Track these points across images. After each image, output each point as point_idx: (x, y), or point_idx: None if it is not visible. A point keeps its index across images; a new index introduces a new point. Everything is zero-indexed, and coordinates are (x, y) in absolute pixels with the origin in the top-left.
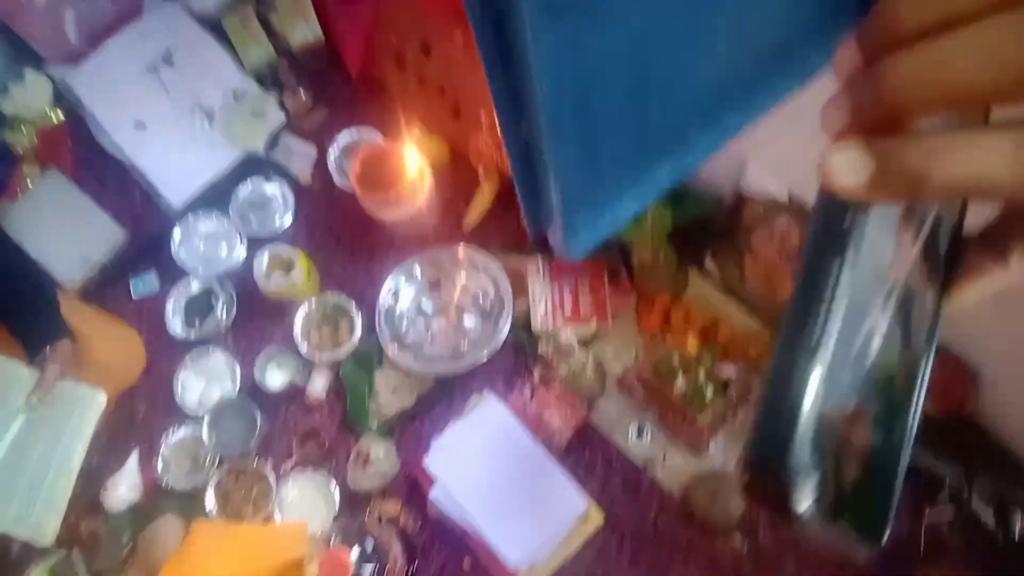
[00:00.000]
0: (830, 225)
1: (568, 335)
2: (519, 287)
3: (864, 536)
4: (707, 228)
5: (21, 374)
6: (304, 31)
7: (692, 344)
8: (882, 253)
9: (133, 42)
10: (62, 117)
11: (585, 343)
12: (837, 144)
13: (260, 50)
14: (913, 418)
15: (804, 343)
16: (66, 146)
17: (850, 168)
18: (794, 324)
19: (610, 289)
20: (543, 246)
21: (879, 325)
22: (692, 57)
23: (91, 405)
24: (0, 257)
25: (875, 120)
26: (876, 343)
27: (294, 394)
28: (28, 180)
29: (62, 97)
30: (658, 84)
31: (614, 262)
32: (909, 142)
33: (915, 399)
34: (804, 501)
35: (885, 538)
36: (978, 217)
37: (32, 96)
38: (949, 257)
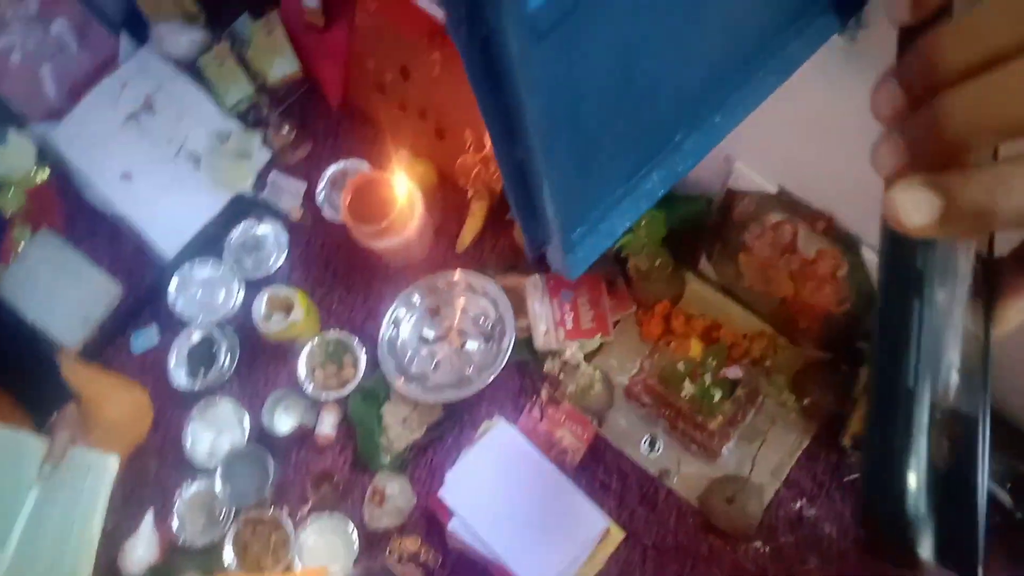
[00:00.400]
0: (902, 266)
1: (573, 351)
2: (519, 306)
3: (963, 572)
4: (699, 229)
5: (30, 444)
6: (281, 65)
7: (695, 348)
8: (948, 287)
9: (112, 92)
10: (48, 175)
11: (589, 357)
12: (901, 183)
13: (239, 89)
14: (984, 449)
15: (900, 391)
16: (54, 204)
17: (918, 206)
18: (886, 373)
19: (609, 300)
20: (540, 264)
21: (953, 359)
22: (674, 64)
23: (104, 471)
24: None
25: (934, 157)
26: (954, 378)
27: (304, 436)
28: (19, 242)
29: (46, 155)
30: (643, 92)
31: (610, 272)
32: (973, 176)
33: (982, 429)
34: (925, 547)
35: (980, 572)
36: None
37: (16, 156)
38: (987, 282)
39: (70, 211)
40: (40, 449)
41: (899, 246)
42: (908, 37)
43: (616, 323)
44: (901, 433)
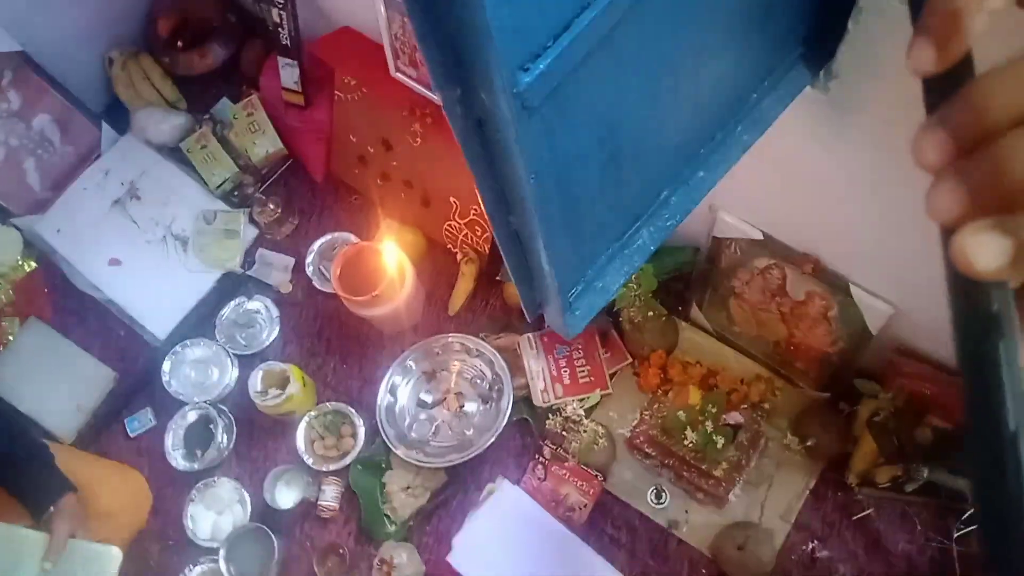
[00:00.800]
0: (978, 311)
1: (574, 407)
2: (514, 365)
3: None
4: (689, 279)
5: (29, 539)
6: (264, 144)
7: (694, 396)
8: (1017, 324)
9: (96, 181)
10: (35, 265)
11: (589, 412)
12: (969, 228)
13: (223, 169)
14: None
15: (1004, 436)
16: (43, 294)
17: (989, 250)
18: (985, 420)
19: (604, 353)
20: (534, 322)
21: None
22: (656, 126)
23: (107, 563)
24: None
25: (996, 201)
26: None
27: (307, 510)
28: (8, 334)
29: (32, 246)
30: (629, 155)
31: (604, 326)
32: None
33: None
34: None
35: None
36: None
37: (2, 250)
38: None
39: (59, 300)
40: (39, 544)
41: (971, 291)
42: (934, 86)
43: (613, 376)
44: (1014, 479)
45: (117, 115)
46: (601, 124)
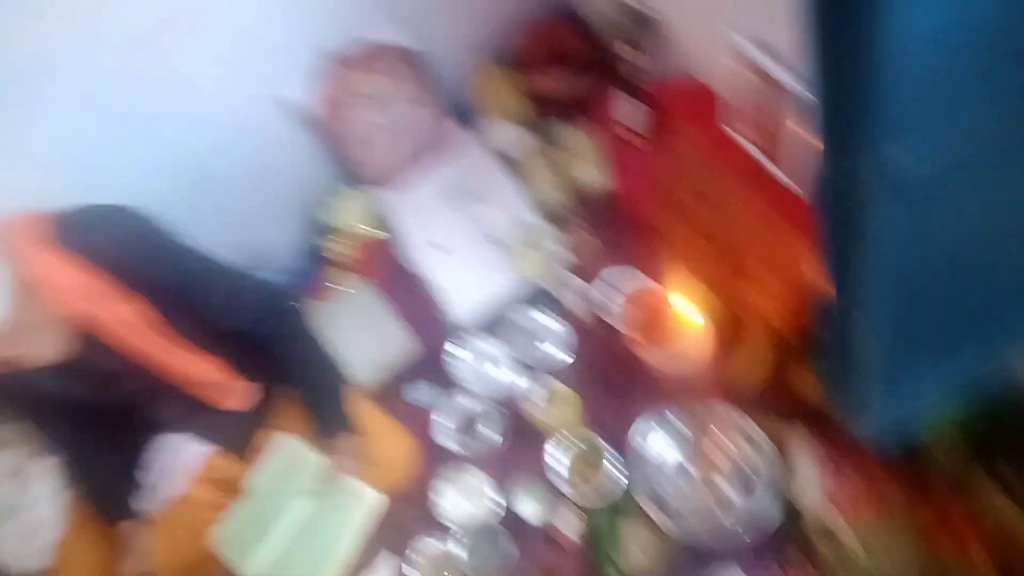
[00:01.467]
0: None
1: (836, 520)
2: (785, 460)
3: None
4: (1005, 426)
5: (309, 458)
6: (591, 173)
7: (977, 555)
8: None
9: (442, 173)
10: (375, 233)
11: (852, 530)
12: None
13: (548, 188)
14: None
15: None
16: (377, 259)
17: None
18: None
19: (885, 477)
20: (823, 423)
21: None
22: (1016, 247)
23: (371, 505)
24: (308, 350)
25: None
26: None
27: (544, 527)
28: (339, 285)
29: (376, 215)
30: (982, 263)
31: (892, 450)
32: None
33: None
34: None
35: None
36: None
37: (350, 211)
38: None
39: (389, 269)
40: (315, 465)
41: None
42: None
43: (887, 502)
44: None
45: (468, 117)
46: (963, 223)
